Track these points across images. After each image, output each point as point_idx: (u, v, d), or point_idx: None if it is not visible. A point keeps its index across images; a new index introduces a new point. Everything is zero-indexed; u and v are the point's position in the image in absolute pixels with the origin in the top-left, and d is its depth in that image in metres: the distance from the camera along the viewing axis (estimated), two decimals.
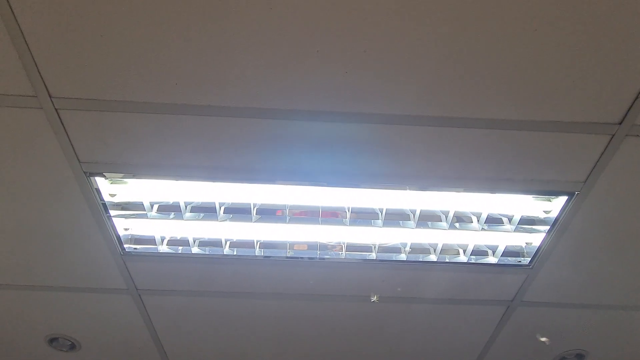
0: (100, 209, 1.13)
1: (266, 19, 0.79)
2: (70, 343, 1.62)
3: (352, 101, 0.92)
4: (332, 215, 1.21)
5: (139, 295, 1.41)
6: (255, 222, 1.20)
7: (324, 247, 1.28)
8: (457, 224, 1.23)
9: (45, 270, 1.33)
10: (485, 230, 1.23)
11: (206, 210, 1.20)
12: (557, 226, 1.19)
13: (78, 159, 1.02)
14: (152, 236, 1.26)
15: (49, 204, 1.12)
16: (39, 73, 0.87)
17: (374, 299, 1.06)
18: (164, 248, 1.27)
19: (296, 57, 0.85)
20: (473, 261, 1.31)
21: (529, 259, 1.30)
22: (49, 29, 0.80)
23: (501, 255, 1.30)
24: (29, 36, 0.81)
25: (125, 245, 1.25)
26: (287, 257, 1.29)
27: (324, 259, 1.29)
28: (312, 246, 1.29)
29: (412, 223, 1.21)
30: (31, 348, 1.65)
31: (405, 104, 0.93)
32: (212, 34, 0.81)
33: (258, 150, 1.01)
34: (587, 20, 0.80)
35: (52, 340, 1.61)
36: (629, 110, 0.94)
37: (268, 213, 1.21)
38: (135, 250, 1.26)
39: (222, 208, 1.19)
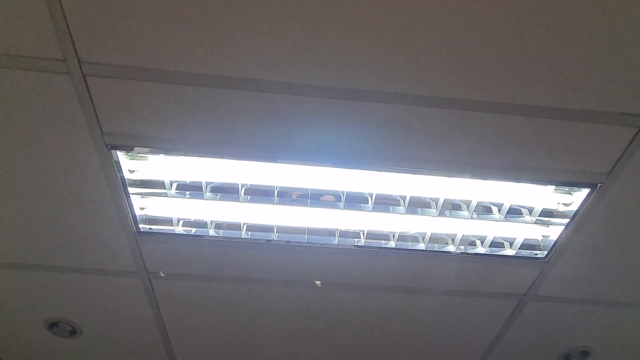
0: (119, 185, 1.10)
1: None
2: (70, 328, 1.57)
3: (389, 80, 0.91)
4: (351, 201, 1.19)
5: (149, 278, 1.37)
6: (276, 204, 1.18)
7: (344, 233, 1.27)
8: (474, 214, 1.23)
9: (50, 249, 1.28)
10: (505, 221, 1.23)
11: (226, 191, 1.17)
12: (577, 219, 1.20)
13: (101, 130, 0.99)
14: (168, 217, 1.23)
15: (64, 177, 1.08)
16: (70, 35, 0.83)
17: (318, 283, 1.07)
18: (179, 229, 1.24)
19: (340, 32, 0.83)
20: (490, 253, 1.31)
21: (546, 252, 1.31)
22: None
23: (518, 248, 1.31)
24: None
25: (140, 226, 1.21)
26: (304, 243, 1.27)
27: (341, 245, 1.27)
28: (331, 232, 1.28)
29: (434, 211, 1.21)
30: (29, 333, 1.59)
31: (439, 85, 0.92)
32: (256, 1, 0.79)
33: (289, 128, 0.99)
34: (620, 7, 0.81)
35: (52, 325, 1.55)
36: None
37: (286, 196, 1.19)
38: (150, 231, 1.22)
39: (243, 189, 1.16)
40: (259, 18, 0.82)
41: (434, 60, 0.88)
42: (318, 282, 1.13)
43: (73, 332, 1.58)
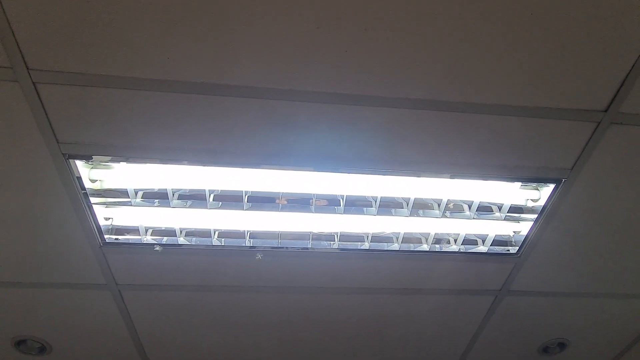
0: (79, 195, 1.06)
1: None
2: (40, 345, 1.50)
3: (350, 82, 0.91)
4: (324, 203, 1.19)
5: (119, 290, 1.33)
6: (246, 210, 1.16)
7: (317, 236, 1.26)
8: (447, 213, 1.23)
9: (13, 264, 1.22)
10: (476, 218, 1.24)
11: (194, 199, 1.15)
12: (545, 214, 1.22)
13: (56, 139, 0.95)
14: (135, 226, 1.19)
15: (21, 190, 1.04)
16: (16, 41, 0.80)
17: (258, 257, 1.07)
18: (148, 239, 1.21)
19: (296, 34, 0.82)
20: (463, 250, 1.32)
21: (517, 247, 1.33)
22: None
23: (490, 244, 1.32)
24: None
25: (106, 236, 1.18)
26: (278, 248, 1.25)
27: (316, 249, 1.26)
28: (304, 236, 1.26)
29: (405, 211, 1.21)
30: None
31: (402, 86, 0.92)
32: (209, 5, 0.78)
33: (252, 133, 0.98)
34: (577, 7, 0.82)
35: (20, 343, 1.49)
36: (614, 98, 0.97)
37: (259, 201, 1.17)
38: (116, 241, 1.19)
39: (212, 195, 1.14)
40: (214, 21, 0.80)
41: (393, 62, 0.88)
42: (258, 256, 1.12)
43: (42, 350, 1.52)
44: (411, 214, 1.21)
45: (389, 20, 0.81)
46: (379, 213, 1.20)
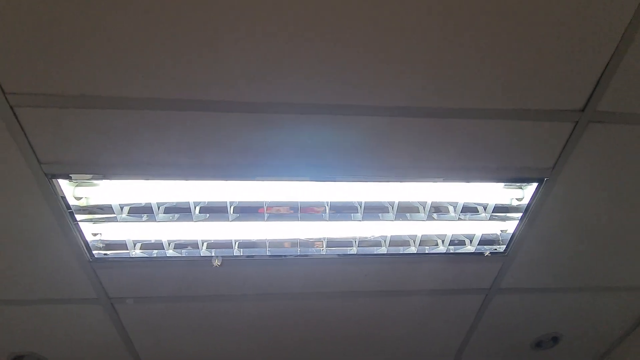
0: (64, 213, 1.07)
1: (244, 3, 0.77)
2: None
3: (330, 93, 0.91)
4: (310, 211, 1.20)
5: (112, 304, 1.34)
6: (232, 221, 1.17)
7: (304, 244, 1.27)
8: (433, 215, 1.24)
9: (4, 283, 1.23)
10: (462, 219, 1.25)
11: (180, 211, 1.16)
12: (529, 213, 1.23)
13: (38, 160, 0.96)
14: (123, 241, 1.20)
15: (6, 210, 1.05)
16: None
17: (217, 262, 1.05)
18: (136, 252, 1.22)
19: (274, 47, 0.83)
20: (451, 251, 1.33)
21: (504, 246, 1.34)
22: (1, 14, 0.75)
23: (478, 244, 1.33)
24: None
25: (95, 252, 1.18)
26: (267, 256, 1.26)
27: (305, 256, 1.27)
28: (292, 243, 1.27)
29: (391, 215, 1.22)
30: None
31: (381, 95, 0.93)
32: (186, 23, 0.78)
33: (235, 146, 0.98)
34: (549, 8, 0.83)
35: (17, 359, 1.50)
36: (590, 97, 0.98)
37: (245, 211, 1.18)
38: (105, 257, 1.20)
39: (198, 208, 1.15)
40: (192, 40, 0.80)
41: (377, 72, 0.88)
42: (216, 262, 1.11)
43: None
44: (397, 218, 1.22)
45: (366, 31, 0.82)
46: (364, 218, 1.21)
